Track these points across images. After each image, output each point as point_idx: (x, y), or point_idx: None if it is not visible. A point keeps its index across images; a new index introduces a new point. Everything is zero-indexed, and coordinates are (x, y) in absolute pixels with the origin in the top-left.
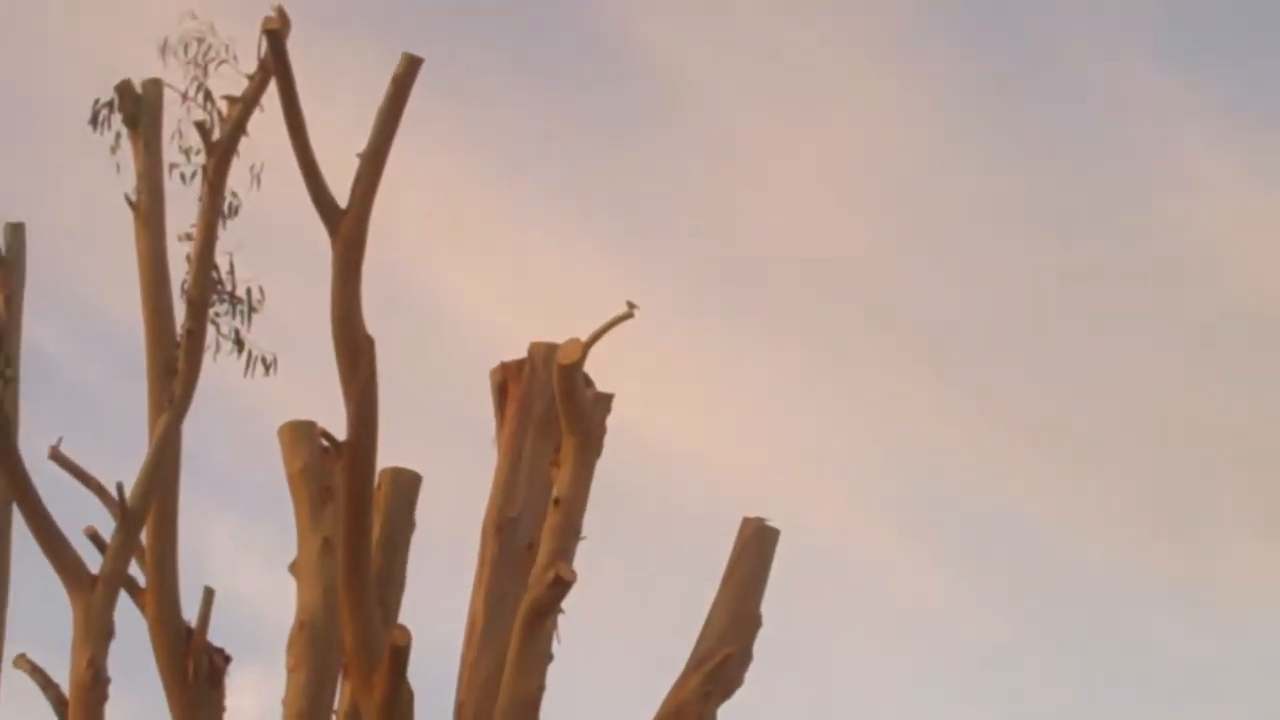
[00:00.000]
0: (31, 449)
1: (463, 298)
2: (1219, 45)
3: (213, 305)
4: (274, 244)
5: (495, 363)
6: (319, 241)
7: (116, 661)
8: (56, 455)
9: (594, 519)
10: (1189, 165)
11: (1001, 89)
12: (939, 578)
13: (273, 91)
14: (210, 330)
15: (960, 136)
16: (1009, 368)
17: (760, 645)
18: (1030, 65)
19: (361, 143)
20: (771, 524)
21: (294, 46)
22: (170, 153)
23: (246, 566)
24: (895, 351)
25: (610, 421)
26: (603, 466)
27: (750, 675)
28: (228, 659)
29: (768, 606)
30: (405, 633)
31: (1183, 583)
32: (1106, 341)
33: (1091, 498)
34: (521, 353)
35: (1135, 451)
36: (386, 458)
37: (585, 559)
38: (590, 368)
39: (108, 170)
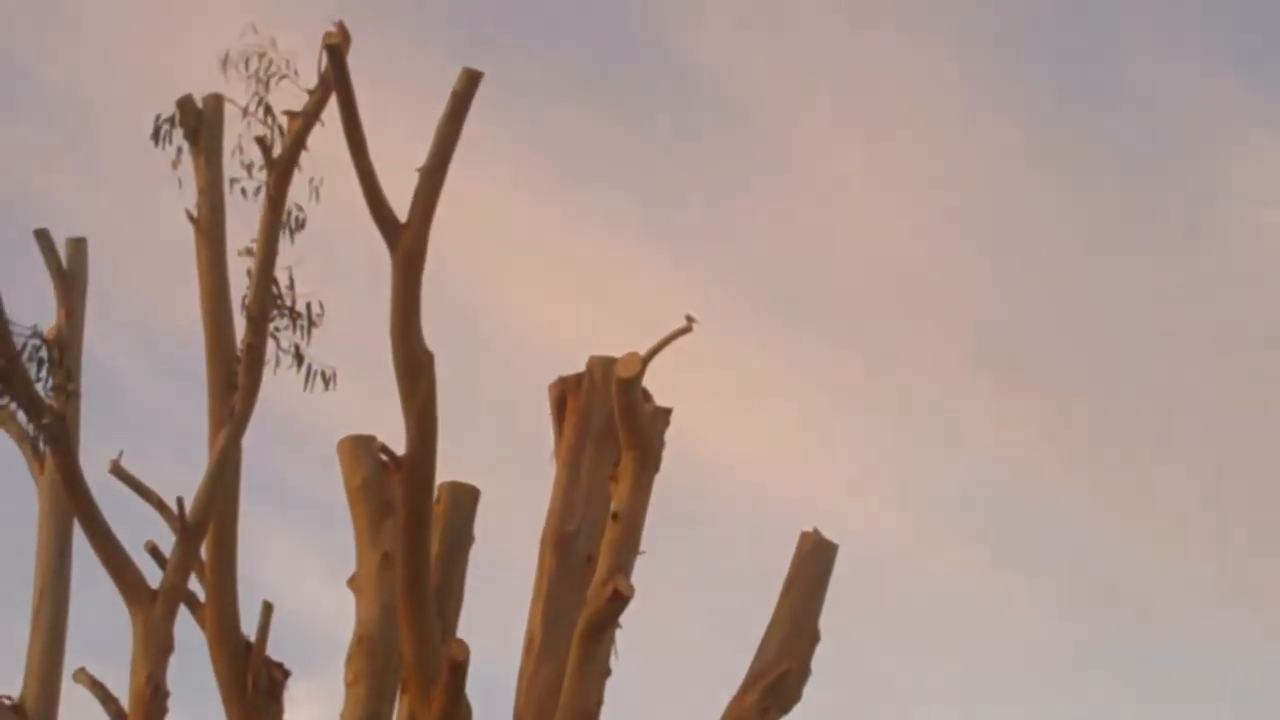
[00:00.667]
0: (93, 463)
1: (522, 311)
2: None
3: (273, 320)
4: (335, 258)
5: (555, 377)
6: (380, 256)
7: (176, 676)
8: (117, 470)
9: (653, 533)
10: (1253, 171)
11: (1063, 95)
12: (1001, 584)
13: (333, 106)
14: (270, 345)
15: (1022, 143)
16: (1069, 374)
17: (823, 656)
18: (1092, 71)
19: (421, 155)
20: (829, 538)
21: (354, 61)
22: (231, 168)
23: (306, 580)
24: (955, 358)
25: (670, 434)
26: (662, 480)
27: (812, 687)
28: (287, 673)
29: (833, 617)
30: (463, 647)
31: (1243, 589)
32: (1167, 347)
33: (1152, 503)
34: (580, 367)
35: (1196, 456)
36: (445, 472)
37: (644, 573)
38: (650, 380)
39: (170, 185)
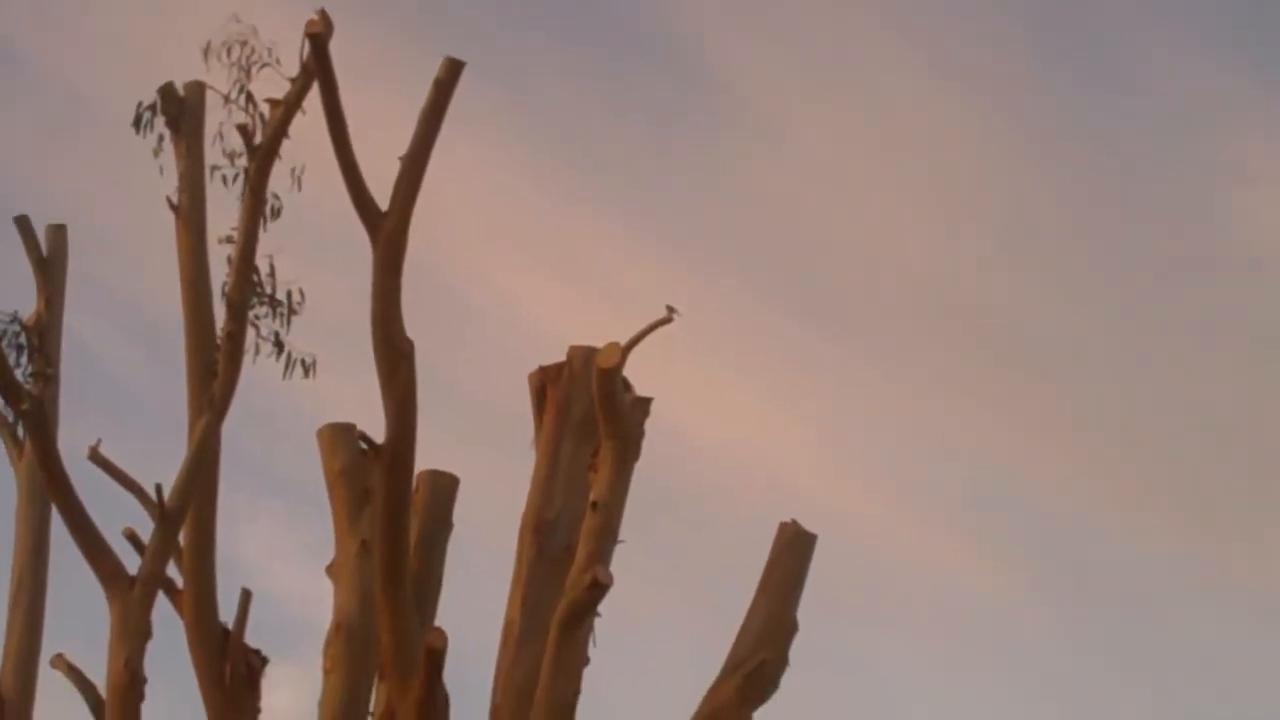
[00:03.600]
0: (71, 448)
1: (506, 297)
2: None
3: (253, 308)
4: (316, 245)
5: (535, 365)
6: (361, 243)
7: (153, 662)
8: (96, 456)
9: (631, 521)
10: (1257, 161)
11: (1067, 85)
12: (996, 579)
13: (315, 94)
14: (250, 332)
15: (1030, 139)
16: (1066, 363)
17: (808, 646)
18: (1097, 61)
19: (404, 142)
20: (808, 529)
21: (337, 48)
22: (212, 155)
23: (285, 564)
24: (949, 346)
25: (652, 423)
26: (642, 468)
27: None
28: (264, 661)
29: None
30: (441, 635)
31: (1249, 587)
32: (1169, 337)
33: (1154, 499)
34: (561, 356)
35: (1201, 452)
36: (424, 460)
37: (622, 562)
38: (633, 368)
39: (151, 172)
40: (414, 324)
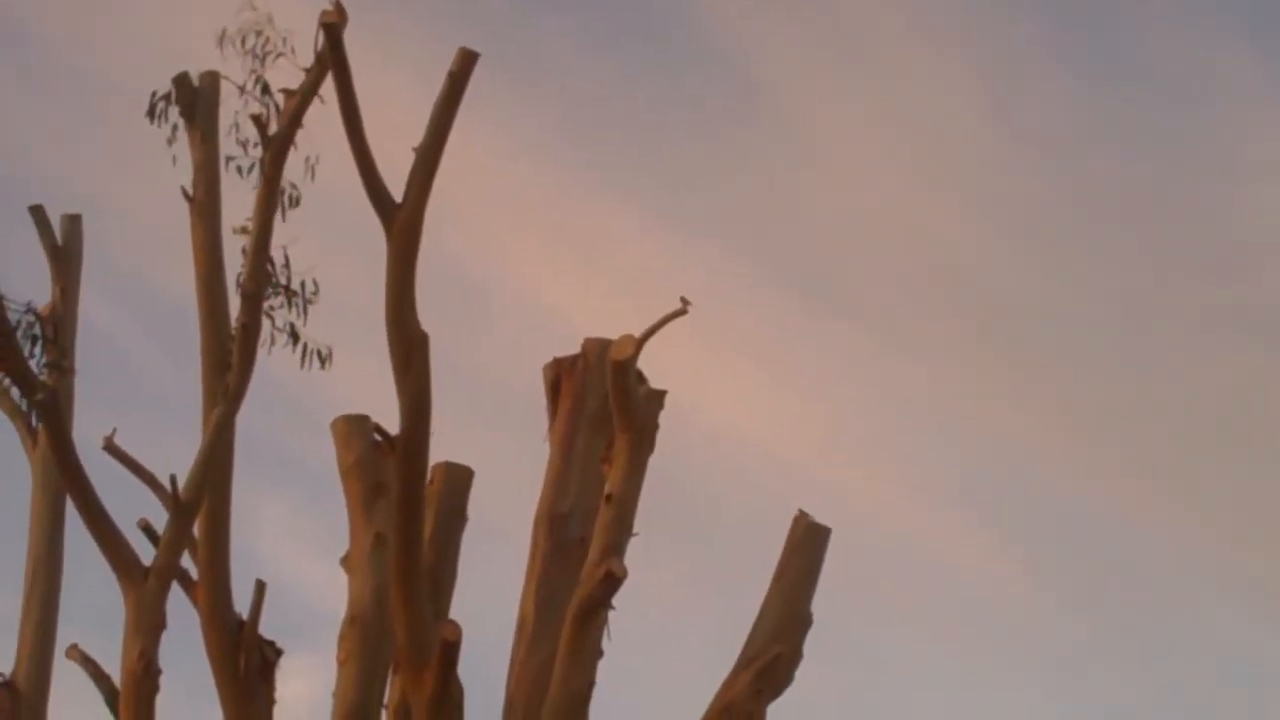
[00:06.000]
0: (86, 439)
1: (523, 287)
2: None
3: (268, 298)
4: (332, 234)
5: (551, 356)
6: (376, 232)
7: (168, 653)
8: (111, 447)
9: (645, 514)
10: (1266, 151)
11: (1085, 78)
12: (1010, 572)
13: (330, 84)
14: (266, 323)
15: (1042, 125)
16: (1081, 356)
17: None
18: (1119, 60)
19: (419, 131)
20: (822, 523)
21: (351, 37)
22: (227, 145)
23: (299, 554)
24: (965, 339)
25: (666, 415)
26: (656, 460)
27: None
28: (279, 652)
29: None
30: (455, 628)
31: (1259, 582)
32: (1179, 329)
33: (1168, 493)
34: (577, 346)
35: (1214, 445)
36: (439, 452)
37: (636, 554)
38: (648, 358)
39: (166, 161)
40: (429, 314)
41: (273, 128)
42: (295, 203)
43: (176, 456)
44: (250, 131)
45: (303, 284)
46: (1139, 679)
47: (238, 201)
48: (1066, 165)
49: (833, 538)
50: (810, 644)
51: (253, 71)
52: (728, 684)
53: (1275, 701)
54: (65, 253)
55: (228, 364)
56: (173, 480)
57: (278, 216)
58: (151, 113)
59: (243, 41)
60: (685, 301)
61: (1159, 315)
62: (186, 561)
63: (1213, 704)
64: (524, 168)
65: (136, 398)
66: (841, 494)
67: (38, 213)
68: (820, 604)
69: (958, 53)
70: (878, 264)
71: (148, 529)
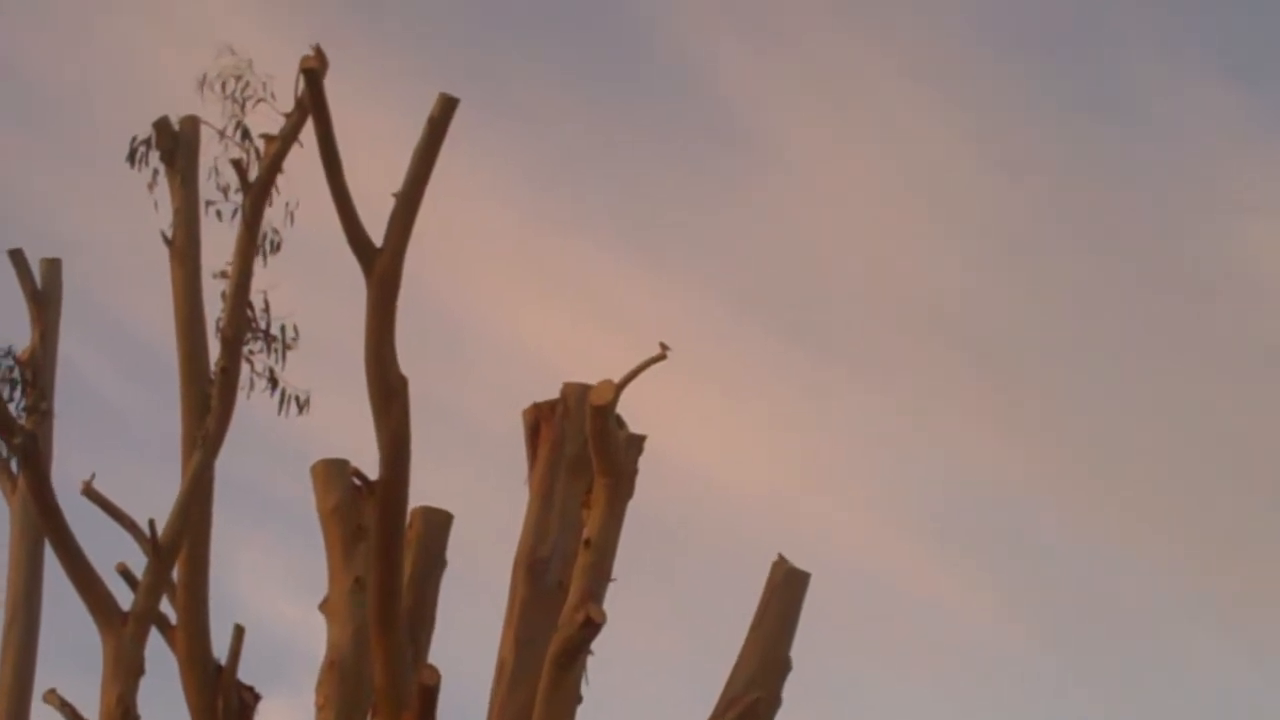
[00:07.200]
0: (66, 482)
1: (500, 329)
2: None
3: (247, 343)
4: (312, 278)
5: (531, 399)
6: (357, 275)
7: (146, 698)
8: (89, 491)
9: (625, 557)
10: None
11: (1063, 109)
12: (983, 605)
13: (309, 129)
14: (245, 368)
15: (1018, 154)
16: (1062, 387)
17: (809, 673)
18: (1090, 86)
19: (400, 173)
20: (801, 568)
21: (332, 81)
22: (207, 190)
23: (278, 595)
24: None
25: (645, 458)
26: (635, 505)
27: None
28: (257, 697)
29: (815, 636)
30: (434, 672)
31: (1227, 606)
32: (1155, 361)
33: (1135, 519)
34: (557, 388)
35: (1182, 471)
36: (418, 495)
37: (615, 599)
38: (632, 403)
39: (147, 203)
40: (408, 355)
41: (253, 173)
42: (275, 248)
43: (156, 500)
44: (230, 176)
45: (282, 329)
46: (1115, 707)
47: (218, 246)
48: (1047, 199)
49: (813, 577)
50: (789, 688)
51: (233, 116)
52: None
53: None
54: (45, 297)
55: (207, 408)
56: (151, 525)
57: (258, 261)
58: (132, 157)
59: (223, 86)
60: (664, 347)
61: (1139, 347)
62: (165, 606)
63: None
64: (501, 207)
65: (116, 441)
66: (821, 531)
67: (17, 257)
68: (799, 644)
69: (940, 87)
70: (856, 298)
71: (126, 573)
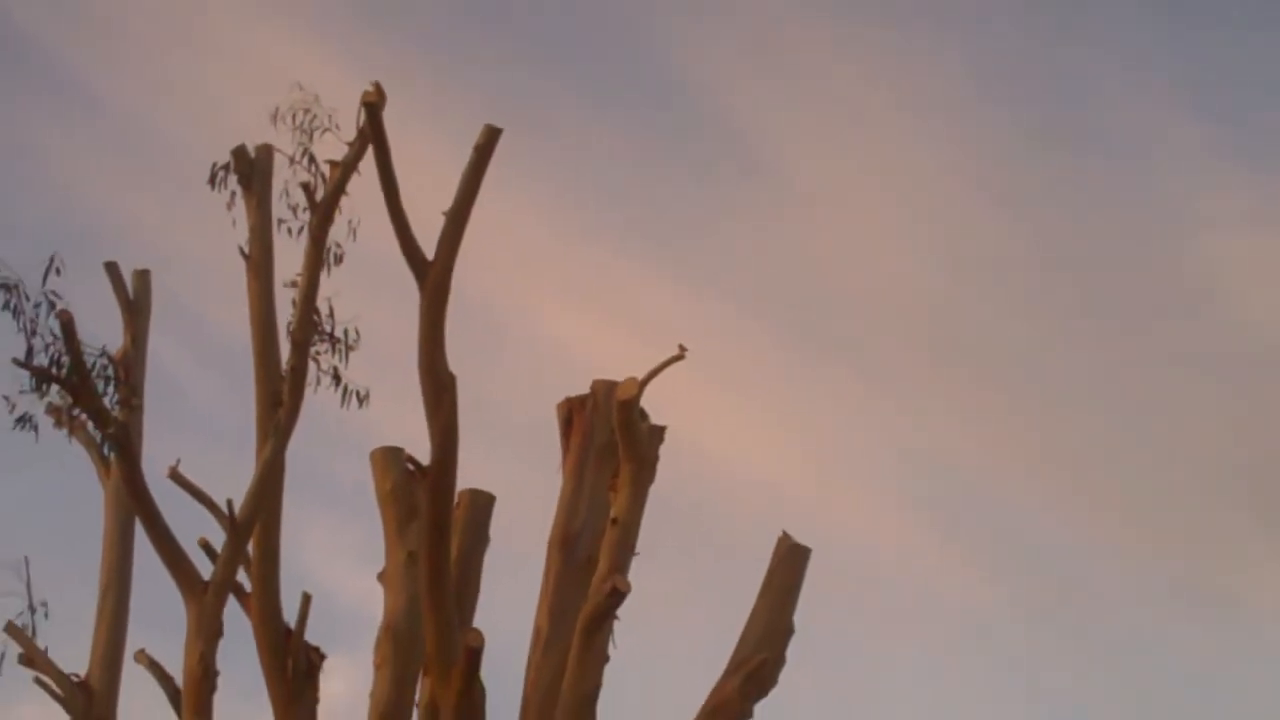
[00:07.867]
0: (154, 467)
1: (541, 331)
2: (1236, 100)
3: (314, 345)
4: (371, 287)
5: (566, 393)
6: (411, 284)
7: (224, 657)
8: (175, 475)
9: (647, 535)
10: (1204, 207)
11: (1038, 137)
12: (967, 579)
13: (370, 156)
14: (312, 366)
15: (1001, 178)
16: (1054, 387)
17: (819, 647)
18: (1064, 117)
19: (449, 194)
20: (803, 543)
21: (390, 111)
22: (279, 209)
23: (340, 568)
24: (943, 376)
25: (666, 448)
26: (657, 487)
27: (805, 666)
28: (323, 657)
29: (815, 604)
30: (479, 635)
31: (1210, 599)
32: (1132, 360)
33: (1122, 519)
34: (587, 384)
35: (1164, 475)
36: (465, 479)
37: (639, 571)
38: (654, 398)
39: (225, 223)
40: (456, 354)
41: (319, 194)
42: (339, 260)
43: (233, 483)
44: (299, 197)
45: (345, 332)
46: (1099, 692)
47: (288, 259)
48: (1032, 221)
49: (816, 555)
50: (792, 650)
51: (301, 144)
52: (719, 686)
53: (1225, 709)
54: (136, 304)
55: (279, 402)
56: (230, 504)
57: (324, 272)
58: (213, 181)
59: (293, 118)
60: (682, 348)
61: (1118, 355)
62: (241, 576)
63: (1163, 709)
64: (539, 222)
65: (199, 431)
66: (821, 512)
67: (112, 269)
68: (801, 611)
69: (934, 119)
70: (857, 305)
71: (207, 547)
